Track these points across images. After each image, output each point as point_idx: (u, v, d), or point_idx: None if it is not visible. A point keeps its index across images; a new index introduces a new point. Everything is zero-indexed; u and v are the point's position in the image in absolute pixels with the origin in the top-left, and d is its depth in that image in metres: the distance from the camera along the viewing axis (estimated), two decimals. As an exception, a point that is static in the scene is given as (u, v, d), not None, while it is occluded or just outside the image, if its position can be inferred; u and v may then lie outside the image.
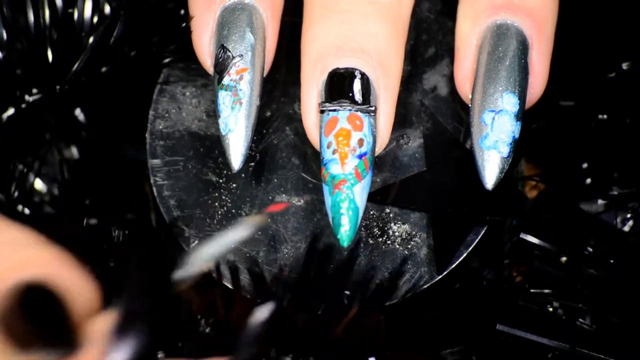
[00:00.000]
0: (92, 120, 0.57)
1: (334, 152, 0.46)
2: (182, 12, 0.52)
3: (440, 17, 0.54)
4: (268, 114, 0.52)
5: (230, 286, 0.47)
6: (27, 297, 0.36)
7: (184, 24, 0.50)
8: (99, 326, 0.37)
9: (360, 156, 0.46)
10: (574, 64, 0.56)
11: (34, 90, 0.51)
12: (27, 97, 0.51)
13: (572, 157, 0.56)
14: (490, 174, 0.47)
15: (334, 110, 0.47)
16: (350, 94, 0.47)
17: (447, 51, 0.53)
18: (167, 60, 0.53)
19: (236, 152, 0.48)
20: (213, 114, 0.53)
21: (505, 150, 0.47)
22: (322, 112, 0.47)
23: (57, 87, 0.51)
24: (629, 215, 0.54)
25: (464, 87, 0.50)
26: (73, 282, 0.38)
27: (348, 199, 0.46)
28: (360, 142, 0.46)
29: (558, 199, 0.55)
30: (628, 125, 0.55)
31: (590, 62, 0.56)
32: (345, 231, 0.46)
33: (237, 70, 0.48)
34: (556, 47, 0.50)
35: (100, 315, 0.38)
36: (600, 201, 0.55)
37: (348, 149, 0.46)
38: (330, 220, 0.46)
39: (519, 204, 0.51)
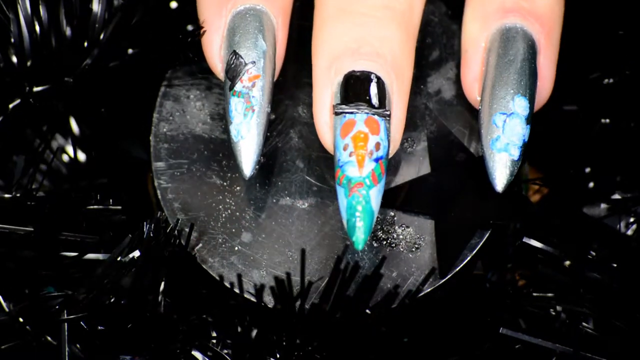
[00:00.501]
0: (96, 118, 0.57)
1: (350, 155, 0.46)
2: (190, 14, 0.51)
3: (443, 20, 0.54)
4: (273, 117, 0.52)
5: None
6: None
7: (192, 27, 0.50)
8: None
9: (376, 160, 0.46)
10: (577, 68, 0.56)
11: (42, 82, 0.51)
12: (34, 88, 0.51)
13: (575, 161, 0.56)
14: (500, 177, 0.48)
15: (351, 112, 0.47)
16: (367, 97, 0.47)
17: (451, 54, 0.53)
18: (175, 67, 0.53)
19: (248, 160, 0.48)
20: (217, 116, 0.53)
21: (516, 153, 0.48)
22: (337, 114, 0.47)
23: (65, 79, 0.51)
24: (632, 220, 0.54)
25: (472, 90, 0.50)
26: None
27: (365, 201, 0.46)
28: (377, 146, 0.46)
29: (561, 203, 0.55)
30: (631, 129, 0.55)
31: (593, 66, 0.56)
32: (360, 234, 0.46)
33: (249, 77, 0.48)
34: (560, 52, 0.51)
35: None
36: (603, 205, 0.55)
37: (365, 152, 0.46)
38: (345, 222, 0.46)
39: (523, 208, 0.51)
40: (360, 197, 0.46)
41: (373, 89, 0.47)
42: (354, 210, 0.46)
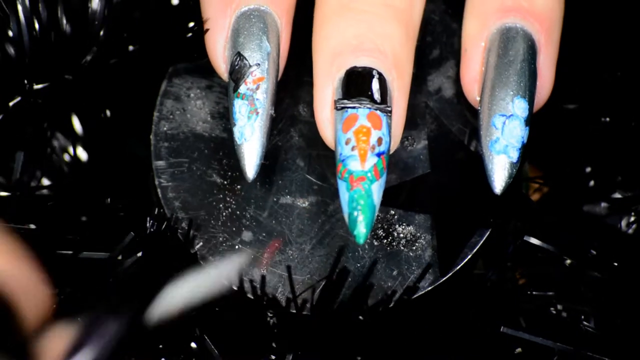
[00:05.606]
0: (96, 116, 0.57)
1: (352, 149, 0.46)
2: (194, 12, 0.51)
3: (444, 18, 0.54)
4: (273, 115, 0.52)
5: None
6: None
7: (196, 26, 0.50)
8: (53, 344, 0.35)
9: (378, 154, 0.46)
10: (577, 66, 0.56)
11: (42, 80, 0.51)
12: (34, 86, 0.51)
13: (575, 160, 0.56)
14: (499, 179, 0.48)
15: (353, 107, 0.47)
16: (369, 93, 0.47)
17: (452, 53, 0.53)
18: (176, 65, 0.53)
19: (251, 162, 0.48)
20: (218, 115, 0.53)
21: (514, 155, 0.48)
22: (338, 108, 0.47)
23: (65, 76, 0.51)
24: (632, 219, 0.54)
25: (471, 89, 0.50)
26: (24, 281, 0.35)
27: (367, 195, 0.46)
28: (380, 141, 0.46)
29: (562, 201, 0.55)
30: (631, 128, 0.55)
31: (593, 64, 0.56)
32: (361, 228, 0.46)
33: (254, 79, 0.48)
34: (560, 50, 0.50)
35: (54, 330, 0.35)
36: (603, 204, 0.55)
37: (368, 146, 0.46)
38: (346, 216, 0.46)
39: (523, 206, 0.51)
40: (362, 191, 0.46)
41: (375, 85, 0.47)
42: (356, 204, 0.46)
